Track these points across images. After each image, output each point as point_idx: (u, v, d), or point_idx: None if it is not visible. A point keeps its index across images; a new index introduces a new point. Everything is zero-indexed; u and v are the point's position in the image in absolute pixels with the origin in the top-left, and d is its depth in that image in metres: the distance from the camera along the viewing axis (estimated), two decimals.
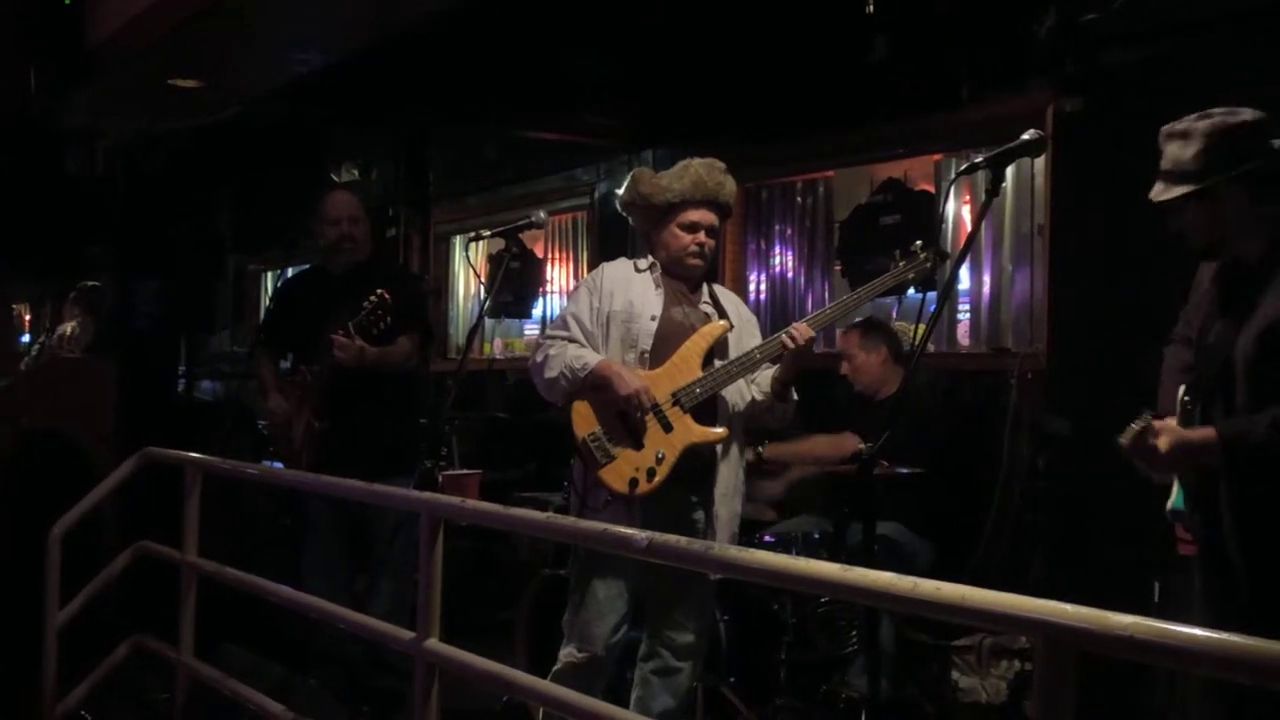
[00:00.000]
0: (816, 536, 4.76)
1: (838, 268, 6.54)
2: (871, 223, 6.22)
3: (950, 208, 6.07)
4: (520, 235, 4.51)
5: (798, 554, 4.49)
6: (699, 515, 3.94)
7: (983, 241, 5.93)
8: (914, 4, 5.39)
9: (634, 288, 4.02)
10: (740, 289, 6.99)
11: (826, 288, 6.85)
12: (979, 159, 3.14)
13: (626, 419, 3.83)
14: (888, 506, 4.83)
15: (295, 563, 5.23)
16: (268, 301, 9.04)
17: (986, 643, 4.85)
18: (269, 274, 11.96)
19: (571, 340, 3.96)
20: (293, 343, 5.26)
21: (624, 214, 4.15)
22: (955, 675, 4.89)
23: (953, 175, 4.97)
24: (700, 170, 4.01)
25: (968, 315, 6.12)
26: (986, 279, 5.97)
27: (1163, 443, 2.79)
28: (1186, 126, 2.92)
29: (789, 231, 7.03)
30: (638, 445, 3.82)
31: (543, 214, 4.46)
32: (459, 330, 9.59)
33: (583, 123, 7.35)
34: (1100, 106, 4.84)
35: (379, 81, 6.79)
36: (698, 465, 3.90)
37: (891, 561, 4.36)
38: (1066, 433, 4.90)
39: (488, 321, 9.08)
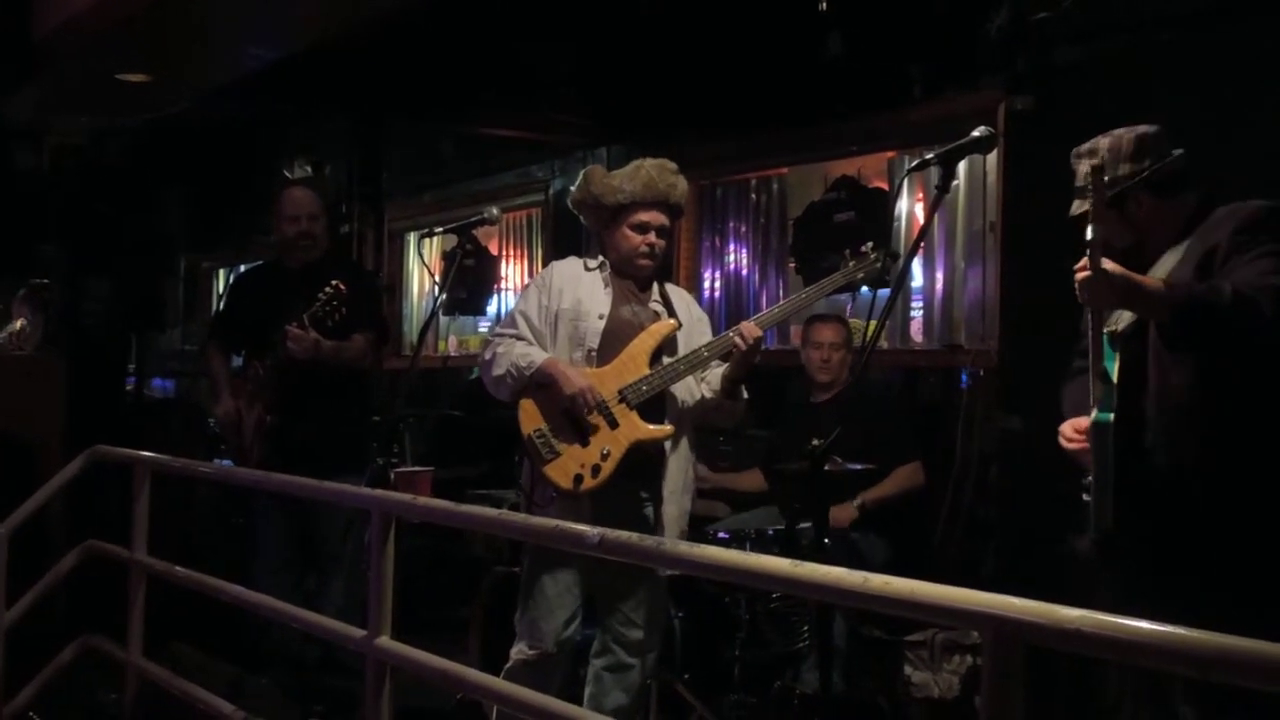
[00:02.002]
0: (771, 533, 4.76)
1: (792, 265, 6.55)
2: (825, 220, 6.24)
3: (903, 205, 6.11)
4: (474, 232, 4.49)
5: (751, 550, 4.50)
6: (649, 511, 3.96)
7: (936, 239, 5.96)
8: (867, 2, 5.42)
9: (583, 286, 4.03)
10: (695, 286, 7.00)
11: (781, 285, 6.86)
12: (929, 156, 3.16)
13: (572, 416, 3.85)
14: (839, 500, 4.87)
15: (247, 561, 5.20)
16: (220, 297, 8.96)
17: (939, 638, 4.87)
18: (221, 271, 11.87)
19: (520, 338, 3.98)
20: (245, 338, 5.22)
21: (575, 212, 4.16)
22: (908, 670, 4.91)
23: (904, 172, 4.99)
24: (652, 171, 4.01)
25: (921, 312, 6.16)
26: (939, 276, 6.00)
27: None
28: (1091, 145, 3.16)
29: (743, 229, 7.05)
30: (583, 442, 3.85)
31: (495, 210, 4.44)
32: (413, 327, 9.55)
33: (538, 119, 7.34)
34: (1051, 104, 4.87)
35: (332, 76, 6.75)
36: (646, 462, 3.92)
37: (846, 558, 4.38)
38: (1018, 428, 4.93)
39: (442, 318, 9.04)
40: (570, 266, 4.13)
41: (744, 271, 7.06)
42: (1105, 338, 3.08)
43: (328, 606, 4.75)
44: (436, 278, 8.21)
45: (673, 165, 4.08)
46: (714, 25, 5.81)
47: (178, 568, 4.17)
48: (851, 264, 4.01)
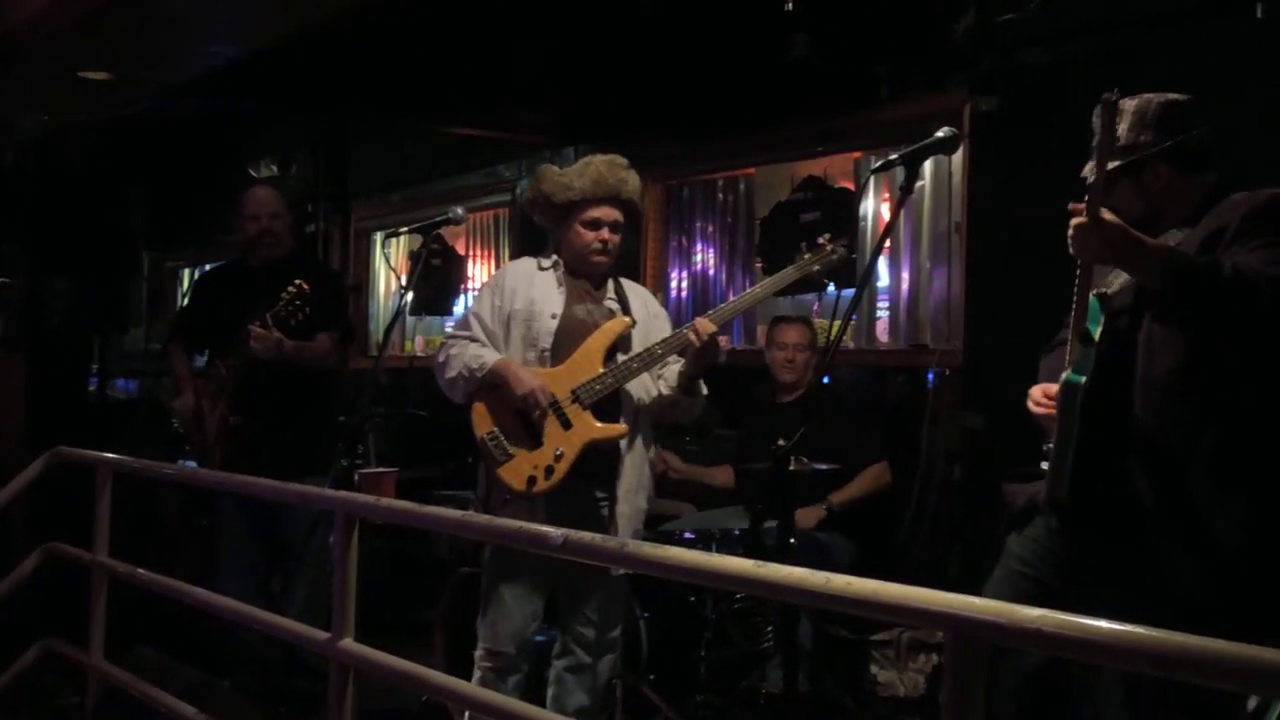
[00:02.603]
0: (737, 533, 4.76)
1: (759, 265, 6.56)
2: (792, 220, 6.25)
3: (869, 205, 6.13)
4: (441, 232, 4.48)
5: (716, 550, 4.50)
6: (605, 510, 3.94)
7: (902, 239, 5.98)
8: (833, 3, 5.42)
9: (536, 286, 4.02)
10: (662, 286, 7.00)
11: (748, 284, 6.85)
12: (894, 156, 3.16)
13: (525, 418, 3.84)
14: (806, 502, 4.87)
15: (211, 563, 5.16)
16: (184, 296, 8.91)
17: (904, 637, 4.88)
18: (186, 270, 11.79)
19: (473, 339, 3.97)
20: (209, 338, 5.19)
21: (528, 212, 4.14)
22: (874, 670, 4.92)
23: (869, 172, 5.00)
24: (601, 167, 4.00)
25: (887, 312, 6.17)
26: (905, 276, 6.02)
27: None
28: (1119, 104, 2.97)
29: (710, 229, 7.05)
30: (536, 443, 3.83)
31: (460, 210, 4.43)
32: (379, 327, 9.51)
33: (505, 119, 7.32)
34: (1016, 105, 4.89)
35: (298, 74, 6.71)
36: (602, 461, 3.90)
37: (812, 558, 4.38)
38: (984, 428, 4.95)
39: (408, 318, 9.02)
40: (523, 266, 4.12)
41: (711, 271, 7.07)
42: (1094, 299, 2.95)
43: (291, 609, 4.72)
44: (403, 277, 8.18)
45: (623, 161, 4.06)
46: (681, 25, 5.81)
47: (140, 570, 4.13)
48: (807, 257, 3.99)
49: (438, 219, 4.35)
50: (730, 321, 6.88)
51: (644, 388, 4.00)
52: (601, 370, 3.88)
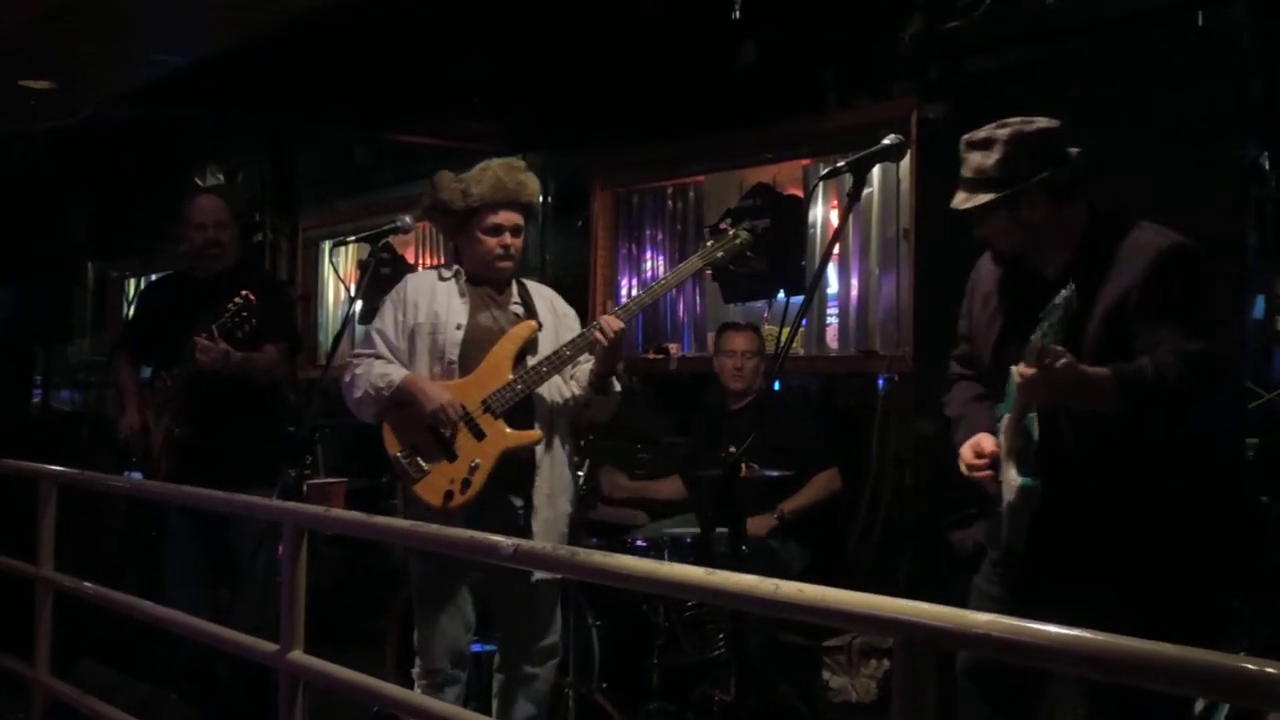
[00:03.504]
0: (688, 540, 4.76)
1: (709, 272, 6.57)
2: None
3: (818, 212, 6.15)
4: (389, 240, 4.45)
5: (668, 558, 4.50)
6: (524, 518, 3.89)
7: (851, 246, 6.01)
8: (781, 11, 5.45)
9: (438, 298, 3.97)
10: (612, 294, 7.00)
11: (698, 292, 6.88)
12: (841, 164, 3.17)
13: (437, 433, 3.80)
14: (758, 510, 4.88)
15: (159, 575, 5.11)
16: (129, 307, 8.82)
17: (856, 643, 4.91)
18: (131, 281, 11.67)
19: (378, 357, 3.92)
20: (154, 349, 5.13)
21: (427, 220, 4.11)
22: (826, 675, 4.95)
23: (818, 179, 5.03)
24: (499, 171, 3.98)
25: (836, 318, 6.19)
26: (855, 282, 6.04)
27: (1062, 363, 2.65)
28: (987, 135, 2.96)
29: (660, 236, 7.05)
30: (451, 457, 3.80)
31: (408, 219, 4.40)
32: (328, 336, 9.44)
33: (454, 127, 7.29)
34: (963, 112, 4.90)
35: (244, 82, 6.66)
36: (519, 469, 3.87)
37: (765, 565, 4.39)
38: (934, 433, 4.97)
39: (358, 328, 8.94)
40: (424, 279, 4.07)
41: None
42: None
43: (240, 621, 4.67)
44: (351, 286, 8.13)
45: (520, 163, 4.04)
46: (629, 33, 5.81)
47: (86, 584, 4.08)
48: (709, 243, 3.99)
49: (385, 227, 4.33)
50: (681, 329, 6.98)
51: (557, 391, 3.96)
52: (511, 377, 3.84)
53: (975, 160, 2.96)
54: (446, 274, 4.03)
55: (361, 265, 8.34)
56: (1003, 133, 2.94)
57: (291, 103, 7.23)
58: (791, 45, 5.64)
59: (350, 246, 6.20)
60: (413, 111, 7.12)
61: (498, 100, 6.89)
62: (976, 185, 2.96)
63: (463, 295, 3.98)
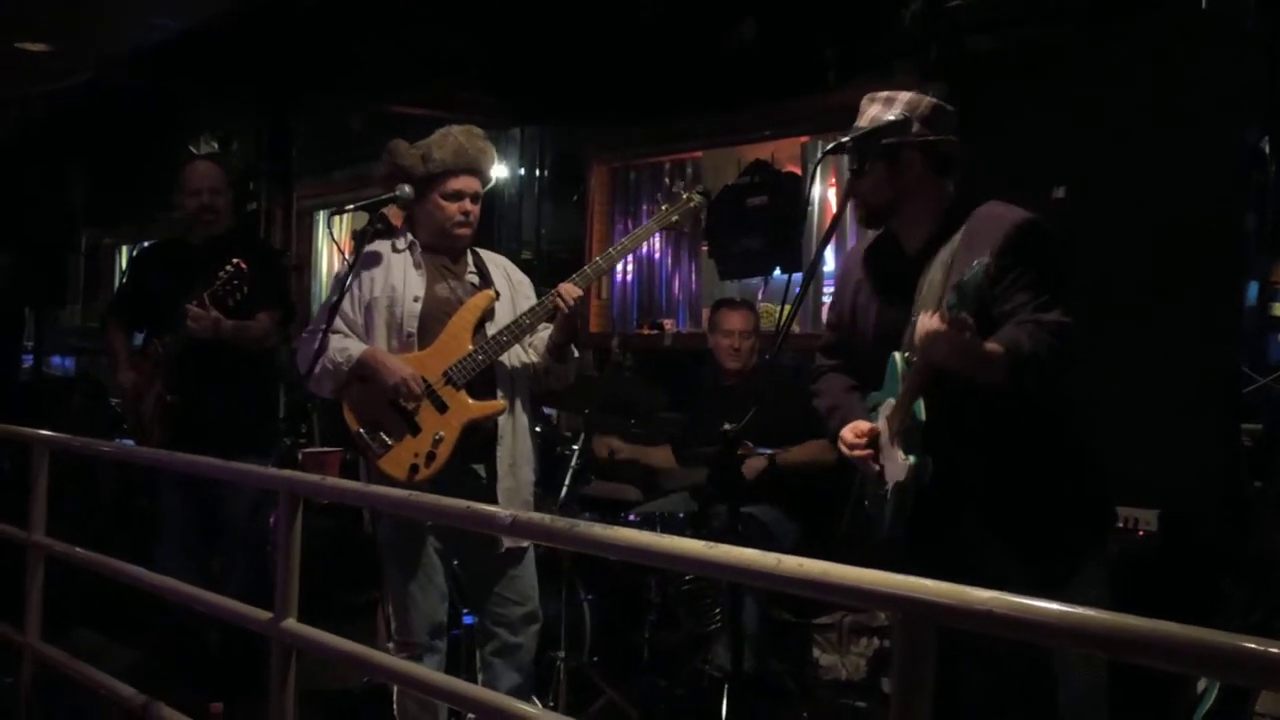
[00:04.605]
0: (681, 516, 4.77)
1: (704, 248, 6.56)
2: (739, 204, 6.25)
3: (817, 190, 6.14)
4: (385, 210, 4.42)
5: (662, 532, 4.50)
6: (488, 486, 3.86)
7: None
8: None
9: (394, 270, 3.92)
10: (609, 270, 6.98)
11: (694, 269, 6.88)
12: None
13: (399, 407, 3.77)
14: (754, 487, 4.87)
15: (152, 542, 5.10)
16: (122, 274, 8.79)
17: (846, 621, 4.92)
18: (125, 248, 11.64)
19: (335, 332, 3.87)
20: (147, 315, 5.11)
21: (383, 189, 4.06)
22: (817, 653, 4.96)
23: (818, 157, 5.01)
24: (461, 138, 3.95)
25: (832, 296, 6.17)
26: None
27: (969, 335, 2.70)
28: (890, 94, 3.06)
29: (656, 212, 7.03)
30: (414, 431, 3.77)
31: (408, 188, 4.37)
32: None
33: (450, 99, 7.26)
34: (963, 91, 4.91)
35: (241, 49, 6.64)
36: (483, 439, 3.84)
37: (758, 542, 4.39)
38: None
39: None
40: (377, 252, 4.00)
41: (657, 255, 7.06)
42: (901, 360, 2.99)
43: (233, 588, 4.67)
44: (347, 256, 8.11)
45: (480, 131, 4.02)
46: (628, 7, 5.79)
47: (78, 549, 4.08)
48: (664, 207, 3.99)
49: (385, 196, 4.30)
50: (676, 305, 6.97)
51: (517, 358, 3.93)
52: (471, 348, 3.80)
53: (874, 111, 3.05)
54: (401, 245, 3.97)
55: (357, 235, 8.32)
56: (906, 95, 3.06)
57: (288, 72, 7.20)
58: (792, 22, 5.62)
59: (346, 216, 6.16)
60: (410, 83, 7.09)
61: (495, 73, 6.87)
62: (864, 138, 3.04)
63: (418, 267, 3.93)
